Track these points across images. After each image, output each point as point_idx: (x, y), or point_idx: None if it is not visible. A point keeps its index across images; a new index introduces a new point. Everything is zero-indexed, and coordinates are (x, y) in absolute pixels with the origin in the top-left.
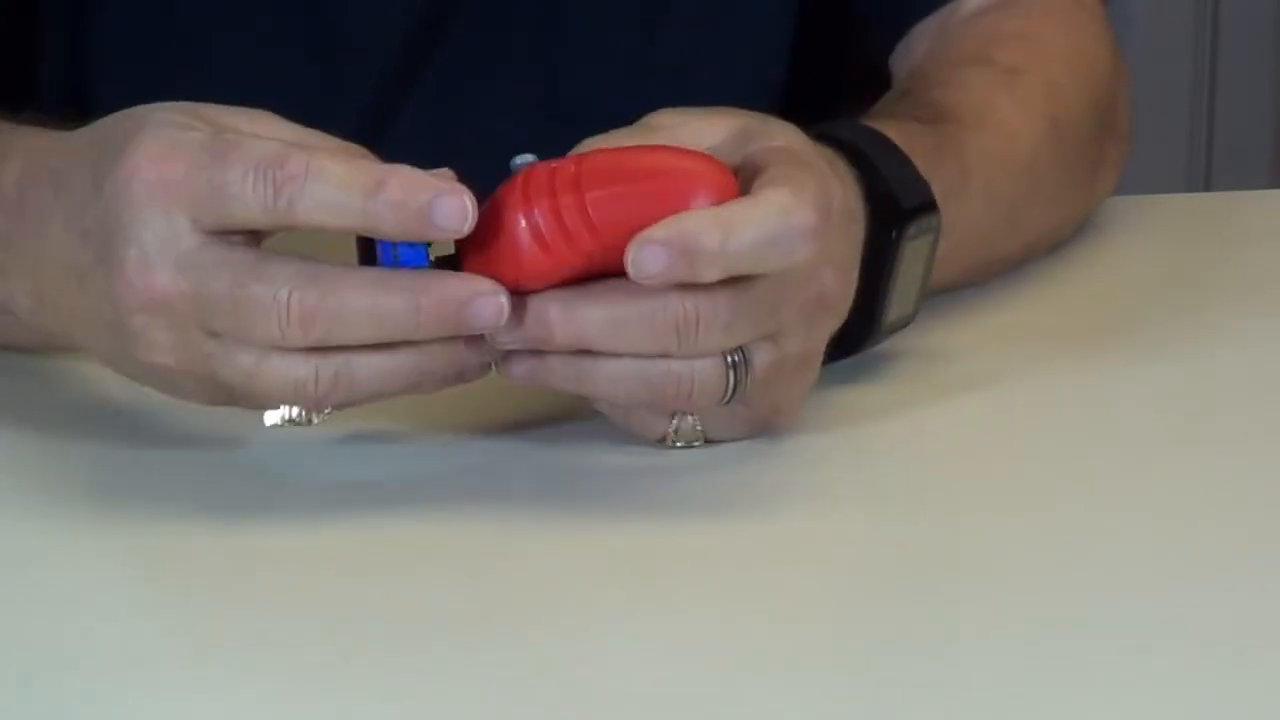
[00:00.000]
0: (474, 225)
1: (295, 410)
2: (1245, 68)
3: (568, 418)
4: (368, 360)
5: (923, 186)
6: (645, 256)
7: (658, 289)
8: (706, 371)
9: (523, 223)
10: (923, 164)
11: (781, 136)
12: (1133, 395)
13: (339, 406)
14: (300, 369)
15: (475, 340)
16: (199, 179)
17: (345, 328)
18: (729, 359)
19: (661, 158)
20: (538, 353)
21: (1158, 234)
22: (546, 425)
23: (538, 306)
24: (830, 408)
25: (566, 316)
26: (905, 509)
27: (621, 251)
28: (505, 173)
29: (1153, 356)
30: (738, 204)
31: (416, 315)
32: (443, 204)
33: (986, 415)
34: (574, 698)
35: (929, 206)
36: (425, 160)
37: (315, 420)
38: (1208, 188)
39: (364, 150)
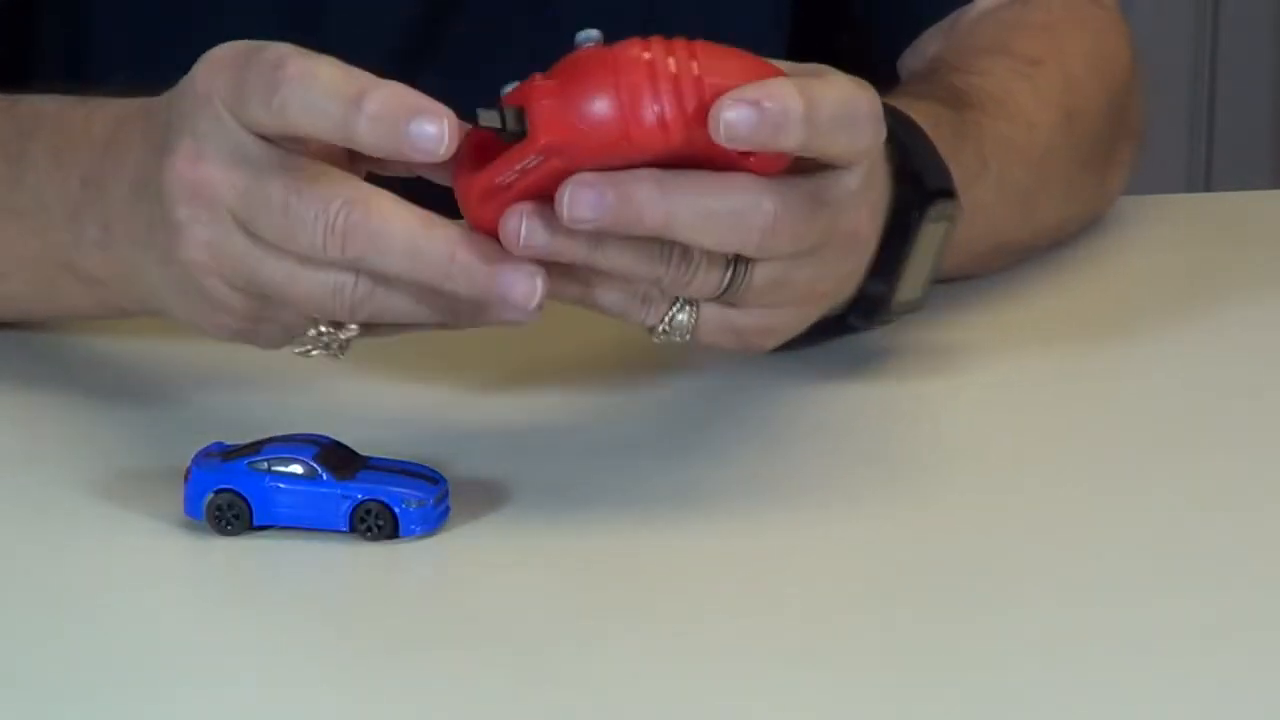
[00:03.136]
0: (451, 150)
1: (323, 333)
2: (1245, 68)
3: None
4: (399, 294)
5: (945, 171)
6: (736, 115)
7: (749, 186)
8: (710, 263)
9: (643, 95)
10: (944, 149)
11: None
12: (1133, 394)
13: (368, 326)
14: (337, 276)
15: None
16: (233, 78)
17: (381, 255)
18: (729, 260)
19: (750, 59)
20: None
21: (1158, 234)
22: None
23: (627, 186)
24: (835, 400)
25: (658, 198)
26: (907, 505)
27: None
28: None
29: (1153, 355)
30: (813, 79)
31: (449, 265)
32: (422, 126)
33: (987, 411)
34: (575, 705)
35: (950, 192)
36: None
37: (341, 353)
38: (1208, 188)
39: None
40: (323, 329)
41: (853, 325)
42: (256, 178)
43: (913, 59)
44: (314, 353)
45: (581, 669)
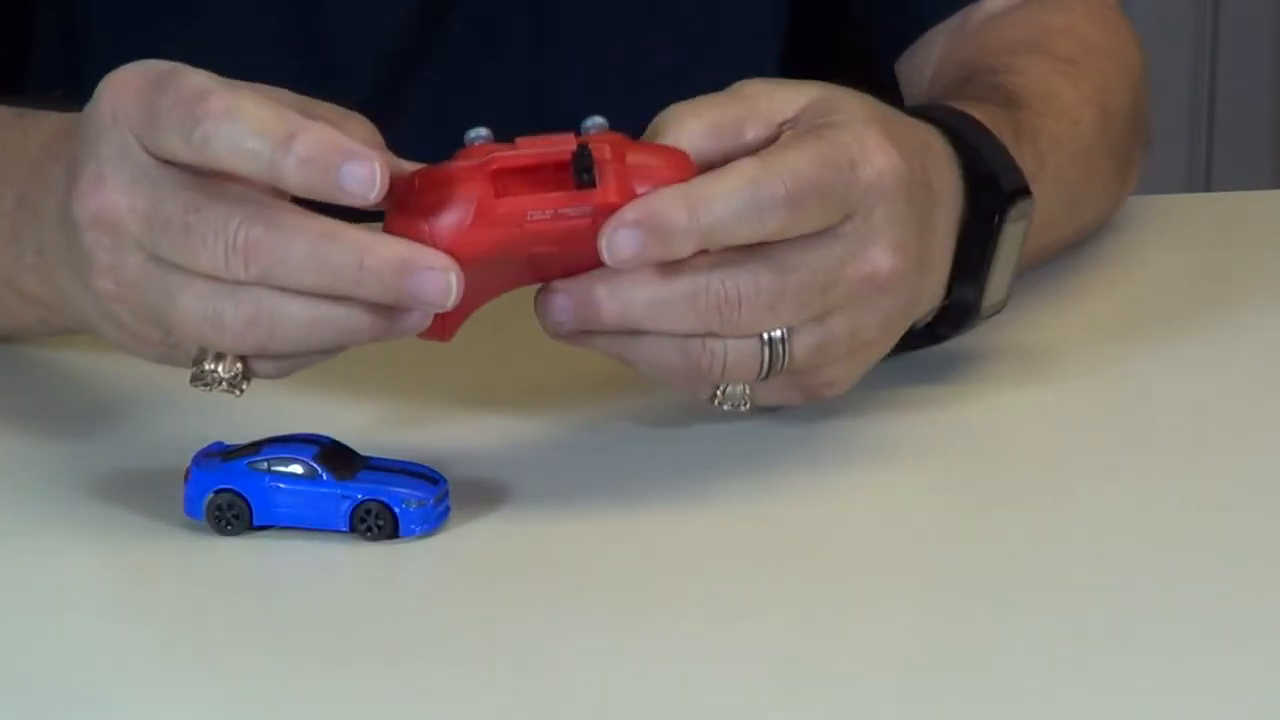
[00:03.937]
0: (383, 194)
1: (207, 370)
2: (1245, 68)
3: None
4: (295, 306)
5: (1018, 171)
6: (620, 240)
7: (698, 269)
8: (740, 350)
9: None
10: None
11: (844, 113)
12: (1133, 394)
13: (256, 357)
14: (222, 300)
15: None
16: (143, 104)
17: (286, 269)
18: (765, 337)
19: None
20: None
21: (1158, 234)
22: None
23: (584, 286)
24: (836, 400)
25: (612, 295)
26: (908, 505)
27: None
28: None
29: (1153, 355)
30: (704, 178)
31: (357, 271)
32: (353, 168)
33: (986, 410)
34: (581, 699)
35: (1025, 191)
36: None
37: (235, 390)
38: (1208, 188)
39: (361, 119)
40: (207, 365)
41: (942, 334)
42: (157, 201)
43: (917, 60)
44: (210, 389)
45: (581, 669)
